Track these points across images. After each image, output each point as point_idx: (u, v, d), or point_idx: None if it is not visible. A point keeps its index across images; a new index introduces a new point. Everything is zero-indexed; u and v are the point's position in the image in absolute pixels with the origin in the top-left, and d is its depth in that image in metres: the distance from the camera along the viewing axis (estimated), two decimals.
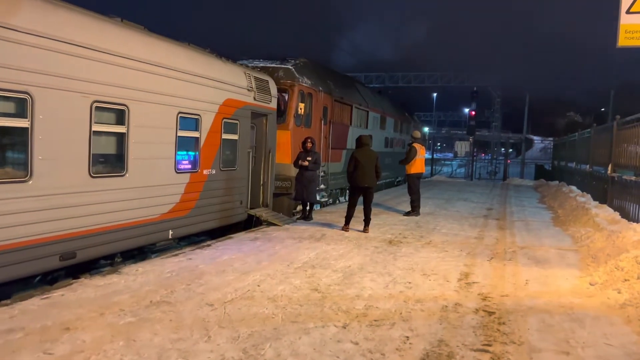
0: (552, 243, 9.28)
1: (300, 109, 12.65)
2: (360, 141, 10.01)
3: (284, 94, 12.59)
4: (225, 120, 9.36)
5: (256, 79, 10.48)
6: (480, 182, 28.79)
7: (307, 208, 11.27)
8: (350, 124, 16.83)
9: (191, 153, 8.57)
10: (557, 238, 9.83)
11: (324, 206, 14.89)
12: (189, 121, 8.35)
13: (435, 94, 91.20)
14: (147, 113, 7.33)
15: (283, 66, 12.86)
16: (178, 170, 8.15)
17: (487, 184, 26.07)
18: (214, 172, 9.11)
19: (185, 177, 8.33)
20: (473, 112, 34.12)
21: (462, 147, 31.39)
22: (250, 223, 10.58)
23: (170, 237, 8.11)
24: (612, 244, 7.99)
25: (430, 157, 35.91)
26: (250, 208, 10.89)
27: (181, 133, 8.13)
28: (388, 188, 21.74)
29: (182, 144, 8.23)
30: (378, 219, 11.47)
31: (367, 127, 18.76)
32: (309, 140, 11.12)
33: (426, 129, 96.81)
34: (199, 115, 8.57)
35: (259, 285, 5.68)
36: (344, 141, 16.34)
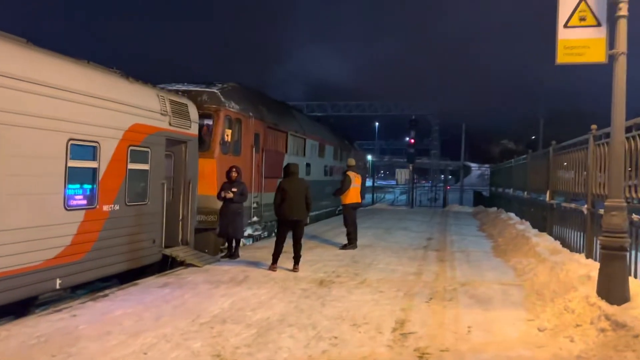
0: (495, 277, 8.66)
1: (227, 135, 11.66)
2: (288, 170, 9.12)
3: (208, 120, 11.57)
4: (132, 147, 8.21)
5: (172, 102, 9.42)
6: (421, 209, 28.61)
7: (234, 245, 10.16)
8: (286, 151, 15.97)
9: (87, 186, 7.34)
10: (499, 270, 9.24)
11: (258, 239, 13.80)
12: (83, 149, 7.16)
13: (377, 123, 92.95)
14: (25, 140, 6.11)
15: (207, 90, 11.88)
16: (69, 207, 6.90)
17: (428, 211, 25.85)
18: (117, 207, 7.89)
19: (79, 215, 7.08)
20: (412, 140, 34.22)
21: (402, 175, 31.30)
22: (166, 264, 9.34)
23: (58, 287, 6.78)
24: (557, 277, 7.42)
25: (371, 184, 35.61)
26: (167, 246, 9.67)
27: (73, 163, 6.92)
28: (328, 218, 20.91)
29: (75, 175, 7.01)
30: (312, 254, 10.53)
31: (304, 155, 17.99)
32: (234, 169, 10.11)
33: (369, 157, 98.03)
34: (97, 142, 7.40)
35: (145, 354, 4.53)
36: (279, 170, 15.34)
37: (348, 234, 11.52)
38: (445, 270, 9.24)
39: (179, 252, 9.32)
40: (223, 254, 10.34)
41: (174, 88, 11.70)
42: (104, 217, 7.57)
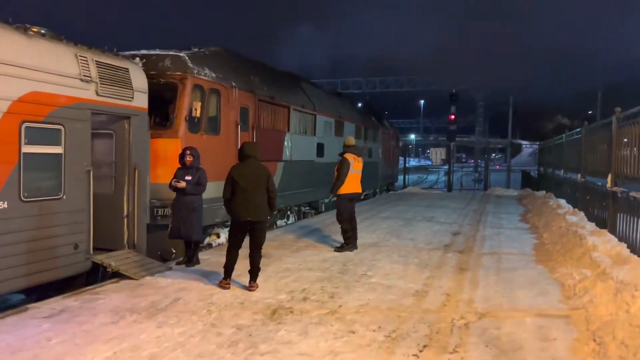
0: (531, 300, 6.10)
1: (196, 109, 9.41)
2: (242, 152, 6.82)
3: (171, 91, 9.37)
4: (28, 124, 6.10)
5: (101, 65, 7.24)
6: (460, 193, 25.67)
7: (192, 248, 8.01)
8: (288, 129, 13.63)
9: None
10: (538, 288, 6.65)
11: None
12: None
13: (422, 101, 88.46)
14: None
15: (172, 54, 9.64)
16: None
17: (466, 196, 22.94)
18: (3, 205, 5.83)
19: None
20: (452, 116, 30.94)
21: (437, 154, 28.05)
22: (96, 274, 7.30)
23: None
24: (625, 312, 4.83)
25: (404, 164, 32.71)
26: (109, 250, 7.63)
27: None
28: None
29: None
30: (292, 259, 8.25)
31: (314, 134, 15.60)
32: (188, 152, 7.89)
33: (412, 136, 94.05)
34: None
35: None
36: (278, 151, 13.13)
37: (344, 233, 9.11)
38: (462, 286, 6.73)
39: (112, 260, 7.23)
40: (179, 260, 8.20)
41: (132, 53, 9.54)
42: None
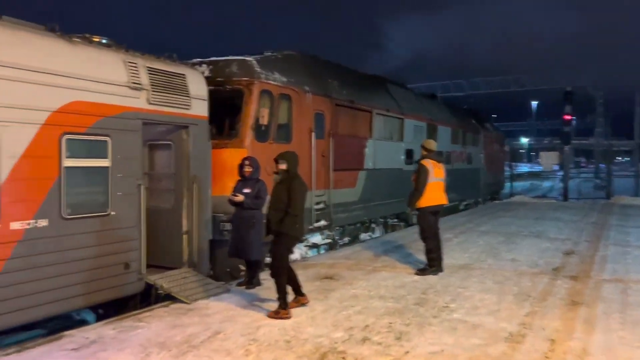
0: None
1: (263, 117, 8.74)
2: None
3: (238, 98, 8.79)
4: (69, 136, 5.73)
5: (153, 71, 6.77)
6: (577, 202, 22.72)
7: (254, 267, 7.26)
8: (370, 135, 12.58)
9: None
10: None
11: (332, 248, 10.78)
12: None
13: (534, 102, 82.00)
14: None
15: (237, 58, 9.08)
16: None
17: (584, 206, 20.13)
18: (43, 224, 5.47)
19: None
20: (567, 116, 27.75)
21: (549, 158, 25.05)
22: (149, 295, 6.80)
23: None
24: None
25: (510, 170, 29.91)
26: (168, 268, 7.16)
27: None
28: (449, 215, 16.91)
29: None
30: (369, 281, 7.21)
31: (402, 140, 14.37)
32: (247, 162, 7.19)
33: (524, 140, 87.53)
34: None
35: None
36: (359, 160, 12.12)
37: (427, 253, 7.83)
38: (573, 329, 5.21)
39: (165, 281, 6.68)
40: (240, 280, 7.49)
41: (200, 60, 9.14)
42: (11, 239, 5.19)
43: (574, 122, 35.61)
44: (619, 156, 68.89)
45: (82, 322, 6.42)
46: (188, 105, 7.29)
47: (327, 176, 10.67)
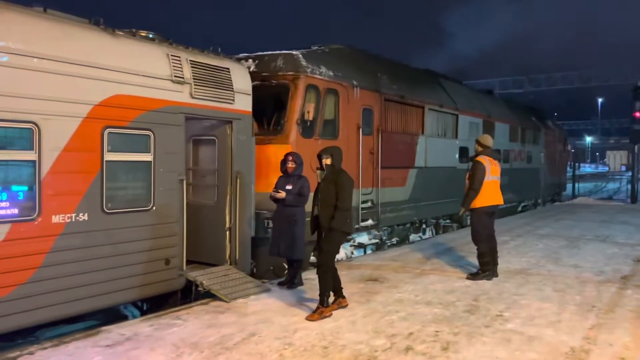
0: None
1: (308, 112, 8.49)
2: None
3: (284, 93, 8.60)
4: (111, 130, 5.70)
5: (196, 64, 6.67)
6: None
7: (296, 266, 7.03)
8: (422, 132, 12.09)
9: (15, 188, 5.04)
10: None
11: (380, 248, 10.45)
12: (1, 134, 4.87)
13: (600, 99, 77.65)
14: None
15: (283, 52, 8.88)
16: None
17: None
18: (84, 217, 5.47)
19: None
20: (638, 113, 25.92)
21: (616, 158, 23.39)
22: (189, 292, 6.70)
23: None
24: None
25: (572, 170, 28.28)
26: (211, 265, 7.08)
27: None
28: (506, 216, 16.10)
29: None
30: (416, 284, 6.83)
31: (456, 137, 13.75)
32: (290, 158, 6.97)
33: (589, 139, 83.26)
34: (32, 123, 5.04)
35: None
36: (409, 157, 11.67)
37: (480, 257, 7.32)
38: None
39: (205, 278, 6.57)
40: (282, 279, 7.28)
41: (247, 55, 9.03)
42: (52, 232, 5.20)
43: None
44: None
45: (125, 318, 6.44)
46: (232, 99, 7.15)
47: (374, 174, 10.30)
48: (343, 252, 9.69)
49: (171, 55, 6.39)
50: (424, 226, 12.69)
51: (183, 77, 6.46)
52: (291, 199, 6.77)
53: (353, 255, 9.86)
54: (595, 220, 14.46)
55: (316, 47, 9.98)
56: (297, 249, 6.84)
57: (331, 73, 9.18)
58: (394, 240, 11.47)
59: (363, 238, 10.35)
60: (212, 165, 7.47)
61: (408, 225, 11.98)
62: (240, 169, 7.32)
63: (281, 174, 7.05)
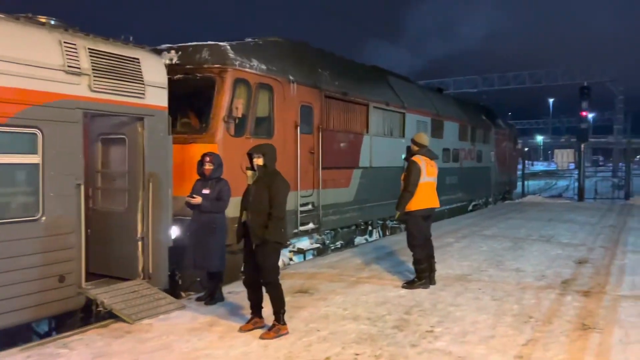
0: None
1: (237, 108, 7.80)
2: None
3: (209, 87, 7.88)
4: None
5: (96, 54, 5.89)
6: (594, 203, 21.48)
7: (215, 280, 6.34)
8: (367, 131, 11.61)
9: None
10: None
11: (321, 254, 9.87)
12: None
13: (551, 100, 79.86)
14: None
15: (209, 43, 8.17)
16: None
17: (601, 207, 18.93)
18: None
19: None
20: (584, 113, 26.41)
21: (563, 156, 23.82)
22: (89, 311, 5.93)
23: None
24: None
25: (522, 169, 28.60)
26: (122, 279, 6.31)
27: None
28: (456, 215, 15.86)
29: None
30: (348, 295, 6.27)
31: (403, 136, 13.35)
32: (208, 159, 6.28)
33: (539, 138, 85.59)
34: None
35: None
36: (353, 157, 11.16)
37: (416, 263, 6.83)
38: None
39: (107, 296, 5.80)
40: (200, 295, 6.57)
41: (169, 46, 8.27)
42: None
43: (590, 119, 34.11)
44: (638, 154, 66.70)
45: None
46: (142, 93, 6.39)
47: (315, 175, 9.73)
48: (281, 259, 9.05)
49: (64, 42, 5.59)
50: (370, 228, 12.22)
51: (79, 68, 5.67)
52: (208, 205, 6.09)
53: (291, 262, 9.26)
54: (542, 219, 14.38)
55: (249, 40, 9.31)
56: (216, 260, 6.15)
57: (264, 67, 8.54)
58: (339, 243, 10.94)
59: (303, 243, 9.75)
60: (122, 167, 6.68)
61: (353, 227, 11.48)
62: (154, 171, 6.56)
63: (198, 178, 6.35)
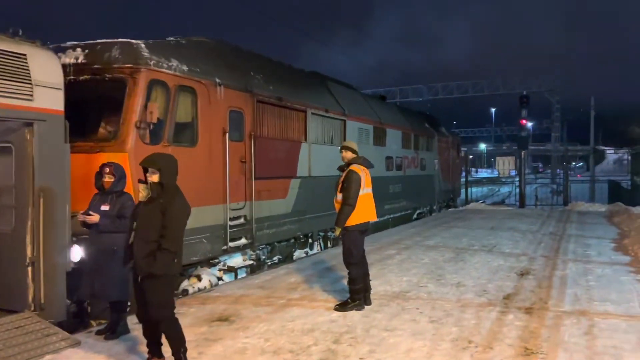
0: None
1: (152, 112, 6.97)
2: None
3: (120, 90, 7.02)
4: None
5: None
6: (535, 209, 21.81)
7: (119, 310, 5.49)
8: (305, 139, 11.00)
9: None
10: None
11: (254, 271, 9.11)
12: None
13: (494, 109, 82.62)
14: None
15: (119, 41, 7.31)
16: None
17: (542, 213, 19.16)
18: None
19: None
20: (523, 121, 26.96)
21: (505, 163, 24.18)
22: None
23: None
24: None
25: (466, 176, 28.94)
26: (10, 311, 5.34)
27: None
28: (398, 225, 15.48)
29: None
30: (273, 323, 5.55)
31: None
32: (107, 170, 5.45)
33: (482, 146, 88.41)
34: None
35: None
36: (291, 166, 10.51)
37: (351, 282, 6.20)
38: None
39: None
40: (101, 327, 5.70)
41: (74, 43, 7.36)
42: None
43: (529, 127, 35.21)
44: (574, 161, 69.75)
45: None
46: (29, 95, 5.47)
47: (247, 185, 8.99)
48: (207, 279, 8.27)
49: None
50: (310, 241, 11.59)
51: None
52: (108, 223, 5.26)
53: (220, 283, 8.44)
54: (485, 227, 14.23)
55: (171, 39, 8.53)
56: (117, 289, 5.31)
57: (185, 68, 7.76)
58: (276, 258, 10.24)
59: (235, 260, 8.96)
60: (8, 180, 5.73)
61: (292, 241, 10.82)
62: (46, 185, 5.65)
63: (96, 192, 5.50)
